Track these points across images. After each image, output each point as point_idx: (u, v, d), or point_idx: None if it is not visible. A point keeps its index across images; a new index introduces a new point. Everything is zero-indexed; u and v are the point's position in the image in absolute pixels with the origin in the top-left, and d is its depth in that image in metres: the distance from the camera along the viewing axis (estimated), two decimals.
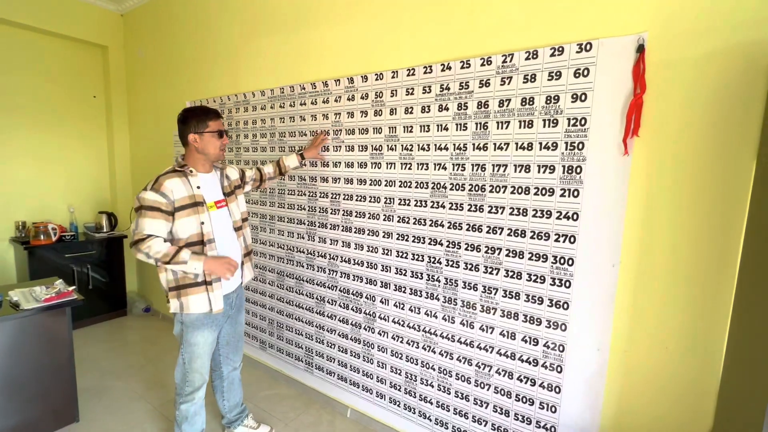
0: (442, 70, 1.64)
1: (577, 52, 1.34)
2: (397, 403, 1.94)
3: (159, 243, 1.46)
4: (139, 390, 2.35)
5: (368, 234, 1.95)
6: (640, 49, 1.23)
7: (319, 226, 2.16)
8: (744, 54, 1.10)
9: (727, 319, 1.18)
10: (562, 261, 1.43)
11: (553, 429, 1.50)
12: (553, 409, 1.50)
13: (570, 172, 1.39)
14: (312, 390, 2.31)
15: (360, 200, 1.97)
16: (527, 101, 1.46)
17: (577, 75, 1.35)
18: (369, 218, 1.94)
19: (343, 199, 2.04)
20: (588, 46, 1.32)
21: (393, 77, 1.79)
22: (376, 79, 1.85)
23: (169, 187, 1.50)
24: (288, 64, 2.21)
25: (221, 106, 2.61)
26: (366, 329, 2.01)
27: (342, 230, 2.06)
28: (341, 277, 2.09)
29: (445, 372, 1.76)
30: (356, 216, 1.99)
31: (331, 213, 2.10)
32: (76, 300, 1.89)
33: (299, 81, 2.16)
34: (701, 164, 1.19)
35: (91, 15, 3.20)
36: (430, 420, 1.83)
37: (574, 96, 1.36)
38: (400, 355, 1.90)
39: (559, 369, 1.47)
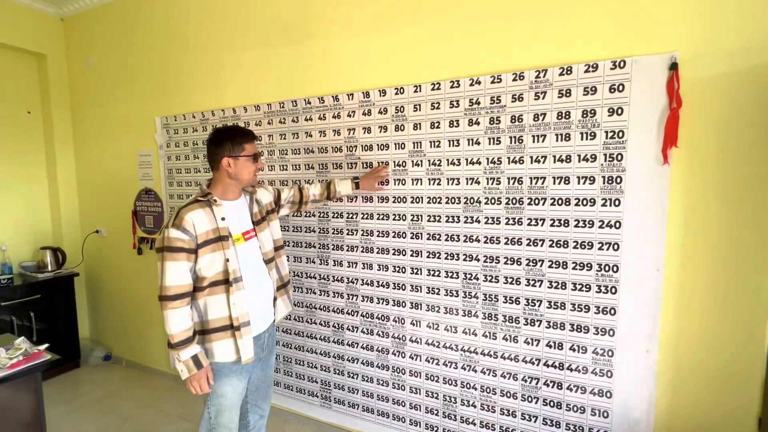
0: (471, 85, 1.63)
1: (611, 68, 1.41)
2: (435, 428, 1.85)
3: (179, 320, 1.28)
4: None
5: (393, 253, 1.86)
6: (673, 66, 1.32)
7: (333, 249, 2.02)
8: None
9: None
10: (606, 268, 1.48)
11: None
12: (606, 414, 1.52)
13: (610, 182, 1.45)
14: (330, 426, 2.13)
15: (382, 218, 1.88)
16: (563, 115, 1.50)
17: (612, 90, 1.42)
18: (394, 237, 1.86)
19: (362, 218, 1.93)
20: (622, 63, 1.40)
21: (416, 91, 1.74)
22: (396, 93, 1.79)
23: (190, 220, 1.30)
24: (289, 77, 2.06)
25: (204, 122, 2.36)
26: (395, 354, 1.91)
27: (362, 251, 1.94)
28: (363, 301, 1.97)
29: (488, 390, 1.71)
30: (378, 235, 1.89)
31: (348, 233, 1.97)
32: (50, 360, 1.54)
33: (304, 95, 2.02)
34: (738, 170, 1.30)
35: (22, 17, 2.73)
36: None
37: (611, 110, 1.43)
38: (436, 378, 1.82)
39: (609, 374, 1.51)
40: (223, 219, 1.36)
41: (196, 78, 2.38)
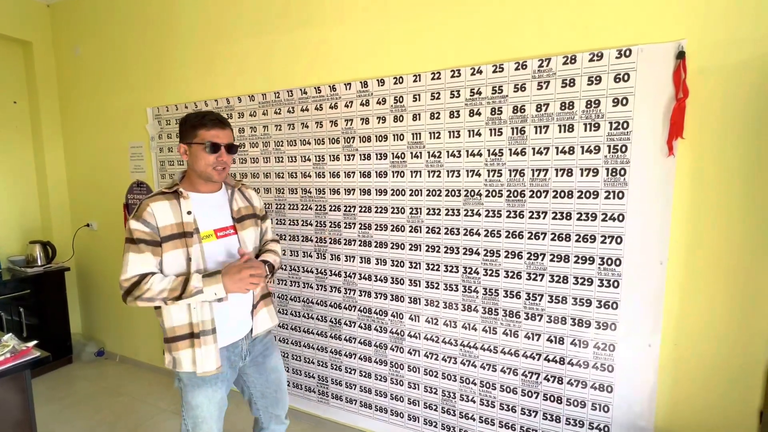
0: (472, 74, 1.59)
1: (617, 57, 1.37)
2: (434, 423, 1.83)
3: (159, 279, 1.18)
4: None
5: (392, 247, 1.83)
6: (681, 55, 1.29)
7: (331, 242, 1.98)
8: None
9: None
10: (609, 262, 1.45)
11: (606, 428, 1.52)
12: (606, 408, 1.51)
13: (614, 174, 1.42)
14: (328, 422, 2.11)
15: (380, 212, 1.84)
16: (566, 105, 1.46)
17: (617, 80, 1.38)
18: (392, 230, 1.82)
19: (360, 211, 1.89)
20: (627, 52, 1.36)
21: (415, 81, 1.70)
22: (395, 83, 1.74)
23: (150, 212, 1.20)
24: (284, 67, 2.00)
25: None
26: (393, 349, 1.88)
27: (360, 245, 1.90)
28: (361, 295, 1.93)
29: (488, 385, 1.70)
30: (376, 229, 1.86)
31: (346, 227, 1.93)
32: (39, 358, 1.49)
33: (300, 85, 1.97)
34: (745, 162, 1.27)
35: (6, 3, 2.62)
36: None
37: (615, 100, 1.39)
38: (435, 373, 1.80)
39: (610, 369, 1.49)
40: (188, 213, 1.23)
41: (189, 67, 2.31)
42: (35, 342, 1.54)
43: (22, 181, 2.88)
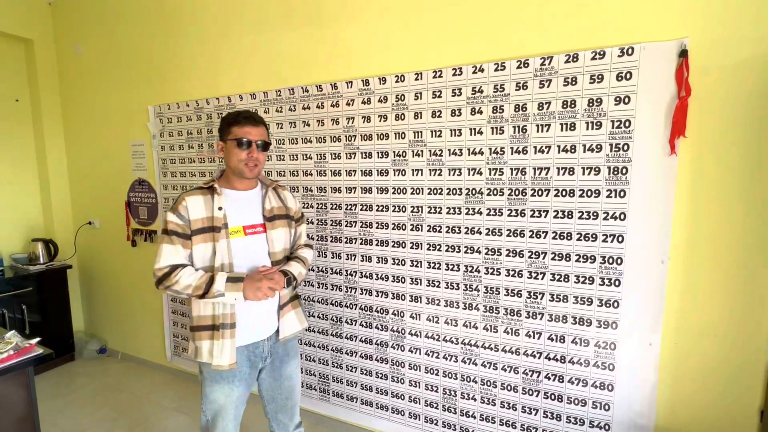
0: (474, 72, 1.59)
1: (619, 55, 1.37)
2: (434, 421, 1.84)
3: (189, 273, 1.23)
4: None
5: (393, 245, 1.83)
6: (683, 53, 1.28)
7: (331, 241, 1.98)
8: None
9: None
10: (610, 261, 1.45)
11: (607, 427, 1.52)
12: (607, 407, 1.51)
13: (616, 173, 1.42)
14: (329, 419, 2.11)
15: (381, 210, 1.84)
16: (568, 104, 1.46)
17: (619, 78, 1.38)
18: (393, 229, 1.82)
19: (361, 209, 1.89)
20: (630, 50, 1.35)
21: (416, 79, 1.70)
22: (397, 81, 1.74)
23: (185, 205, 1.25)
24: (286, 65, 2.00)
25: (198, 111, 2.29)
26: (394, 347, 1.89)
27: (361, 243, 1.91)
28: (362, 293, 1.94)
29: (488, 383, 1.70)
30: (377, 227, 1.86)
31: (347, 225, 1.93)
32: (42, 355, 1.50)
33: (301, 83, 1.97)
34: (747, 161, 1.27)
35: (8, 1, 2.63)
36: None
37: (618, 99, 1.39)
38: (435, 371, 1.80)
39: (611, 367, 1.49)
40: (219, 209, 1.28)
41: (190, 65, 2.31)
42: (38, 339, 1.54)
43: (24, 179, 2.88)
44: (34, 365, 1.51)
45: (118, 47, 2.59)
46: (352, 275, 1.95)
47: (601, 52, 1.39)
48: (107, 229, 2.87)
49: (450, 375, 1.77)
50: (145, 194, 2.62)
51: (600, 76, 1.40)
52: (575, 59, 1.43)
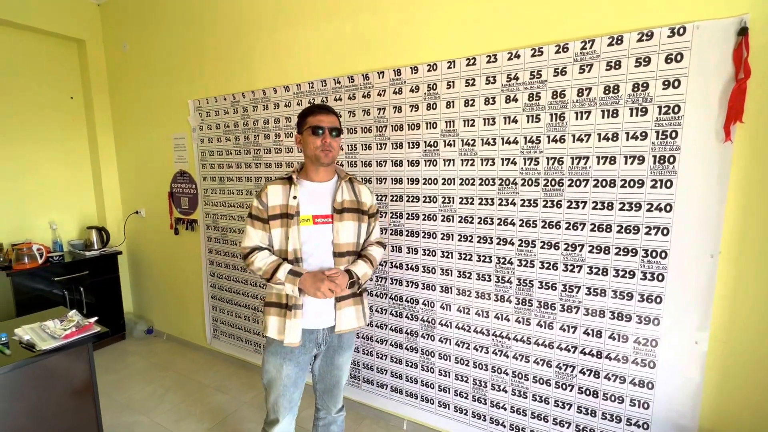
0: (509, 59, 1.54)
1: (669, 36, 1.29)
2: (464, 411, 1.84)
3: (262, 257, 1.35)
4: (166, 423, 2.11)
5: (423, 236, 1.83)
6: (743, 32, 1.19)
7: None
8: None
9: None
10: (654, 254, 1.39)
11: (645, 425, 1.47)
12: (646, 405, 1.46)
13: (662, 162, 1.34)
14: (360, 405, 2.17)
15: (412, 201, 1.84)
16: (611, 89, 1.39)
17: (668, 60, 1.30)
18: (424, 220, 1.82)
19: (391, 200, 1.90)
20: (681, 30, 1.27)
21: (449, 67, 1.67)
22: (429, 70, 1.72)
23: (267, 192, 1.36)
24: (318, 57, 2.02)
25: (234, 104, 2.37)
26: (424, 337, 1.90)
27: (391, 234, 1.92)
28: (392, 283, 1.96)
29: (520, 376, 1.68)
30: (408, 218, 1.87)
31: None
32: (99, 332, 1.64)
33: (333, 74, 1.99)
34: None
35: (61, 4, 2.81)
36: (504, 426, 1.75)
37: (666, 83, 1.31)
38: (466, 362, 1.81)
39: (651, 365, 1.43)
40: (294, 197, 1.34)
41: (228, 60, 2.39)
42: (96, 318, 1.68)
43: (80, 172, 3.11)
44: (93, 342, 1.66)
45: (160, 44, 2.71)
46: (382, 265, 1.97)
47: (649, 33, 1.31)
48: (152, 218, 3.06)
49: (480, 366, 1.77)
50: (186, 185, 2.76)
51: (647, 59, 1.32)
52: (619, 42, 1.35)
